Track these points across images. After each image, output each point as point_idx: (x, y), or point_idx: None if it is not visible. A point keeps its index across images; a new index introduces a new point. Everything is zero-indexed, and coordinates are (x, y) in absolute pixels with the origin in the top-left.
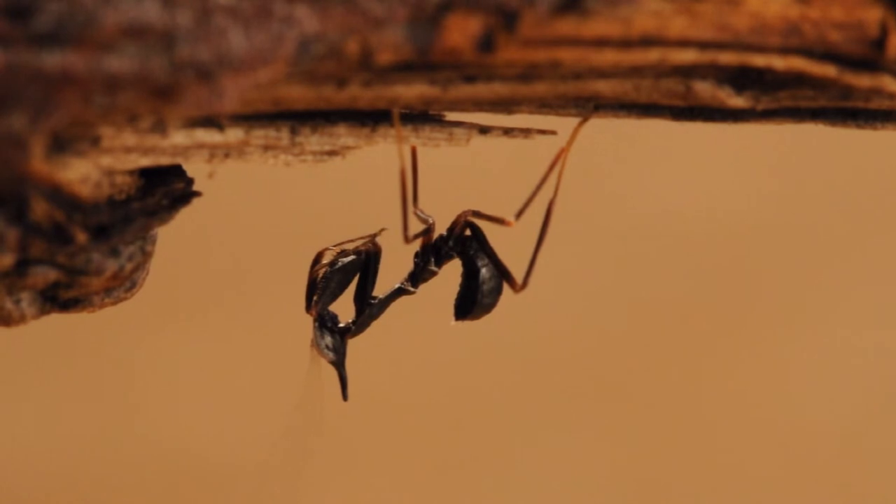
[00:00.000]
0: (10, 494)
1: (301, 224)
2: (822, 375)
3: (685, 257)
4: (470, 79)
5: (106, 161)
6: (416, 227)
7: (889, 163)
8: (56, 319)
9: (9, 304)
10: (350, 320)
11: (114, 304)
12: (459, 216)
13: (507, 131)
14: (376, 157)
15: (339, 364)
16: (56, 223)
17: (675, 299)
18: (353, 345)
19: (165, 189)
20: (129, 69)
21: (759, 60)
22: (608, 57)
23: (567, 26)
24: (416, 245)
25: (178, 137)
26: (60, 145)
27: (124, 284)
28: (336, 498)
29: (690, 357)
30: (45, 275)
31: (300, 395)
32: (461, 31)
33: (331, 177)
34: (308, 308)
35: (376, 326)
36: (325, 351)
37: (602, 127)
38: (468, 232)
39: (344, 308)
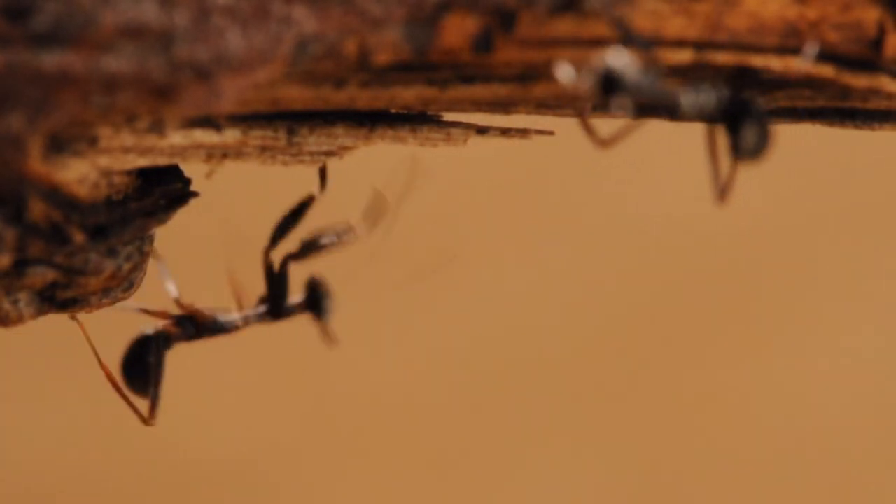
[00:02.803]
0: (11, 494)
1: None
2: (823, 379)
3: (685, 259)
4: (468, 79)
5: (104, 161)
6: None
7: (890, 163)
8: (55, 319)
9: (6, 304)
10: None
11: (111, 304)
12: None
13: (505, 131)
14: (377, 157)
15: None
16: (54, 223)
17: (674, 301)
18: (352, 345)
19: (163, 189)
20: (128, 69)
21: (756, 61)
22: None
23: (565, 26)
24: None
25: (176, 138)
26: (58, 145)
27: (122, 285)
28: (335, 497)
29: (690, 358)
30: (43, 275)
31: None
32: (459, 31)
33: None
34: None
35: (375, 326)
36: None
37: (601, 127)
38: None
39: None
